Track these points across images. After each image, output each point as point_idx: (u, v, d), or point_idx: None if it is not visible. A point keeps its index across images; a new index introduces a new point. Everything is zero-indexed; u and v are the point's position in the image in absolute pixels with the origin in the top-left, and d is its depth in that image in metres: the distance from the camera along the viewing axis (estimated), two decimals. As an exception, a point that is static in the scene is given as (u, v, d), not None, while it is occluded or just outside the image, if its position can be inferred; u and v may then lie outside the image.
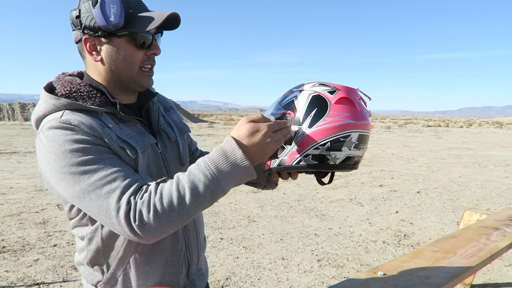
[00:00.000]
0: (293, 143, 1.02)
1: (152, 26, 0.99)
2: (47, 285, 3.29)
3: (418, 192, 7.40)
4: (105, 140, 0.96)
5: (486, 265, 2.07)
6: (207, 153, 1.32)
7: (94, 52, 1.03)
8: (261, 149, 0.92)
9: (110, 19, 0.96)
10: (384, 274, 1.72)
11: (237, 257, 4.02)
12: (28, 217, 5.29)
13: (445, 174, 9.55)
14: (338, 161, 1.01)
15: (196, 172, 0.89)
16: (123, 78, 1.06)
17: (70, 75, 1.10)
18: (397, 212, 5.94)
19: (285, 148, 1.04)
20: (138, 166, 1.00)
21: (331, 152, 0.99)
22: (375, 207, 6.20)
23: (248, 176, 0.92)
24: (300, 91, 1.06)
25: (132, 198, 0.88)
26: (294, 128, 1.02)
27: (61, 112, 0.98)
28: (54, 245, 4.22)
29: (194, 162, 0.97)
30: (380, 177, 8.93)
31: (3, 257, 3.85)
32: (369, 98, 1.10)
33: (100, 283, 1.09)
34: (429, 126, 41.42)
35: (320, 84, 1.06)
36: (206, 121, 47.08)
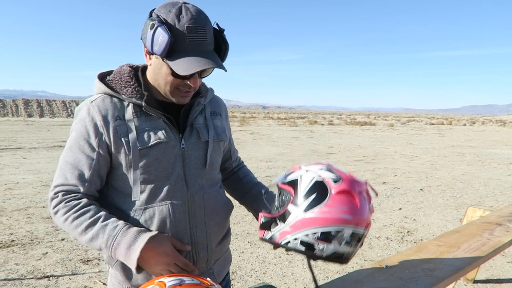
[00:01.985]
0: (286, 223, 1.01)
1: (184, 72, 1.04)
2: (57, 278, 3.36)
3: (421, 189, 7.43)
4: (108, 131, 1.11)
5: (490, 259, 2.11)
6: (257, 184, 1.45)
7: (147, 57, 1.14)
8: (153, 264, 1.08)
9: (154, 48, 1.04)
10: (389, 267, 1.77)
11: (242, 252, 4.08)
12: (35, 211, 5.36)
13: (448, 171, 9.57)
14: (324, 254, 0.98)
15: (104, 234, 1.07)
16: (161, 88, 1.15)
17: (131, 66, 1.22)
18: (400, 209, 5.99)
19: (278, 224, 1.03)
20: (138, 162, 1.12)
21: (320, 243, 0.97)
22: (378, 204, 6.24)
23: (130, 261, 1.07)
24: (307, 170, 1.04)
25: (63, 193, 1.11)
26: (290, 207, 1.01)
27: (99, 95, 1.16)
28: (62, 239, 4.29)
29: (225, 170, 1.34)
30: (383, 175, 8.97)
31: (13, 251, 3.92)
32: (376, 194, 1.09)
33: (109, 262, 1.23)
34: (432, 124, 41.36)
35: (328, 169, 1.03)
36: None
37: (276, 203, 1.07)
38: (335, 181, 0.97)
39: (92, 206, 1.11)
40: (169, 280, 0.89)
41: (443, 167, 10.26)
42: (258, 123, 36.31)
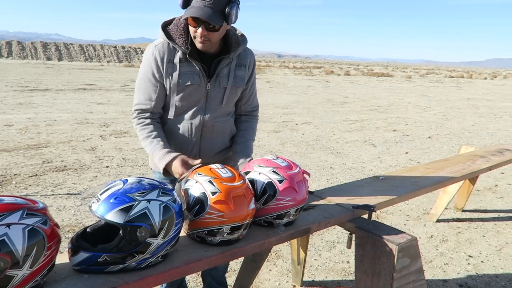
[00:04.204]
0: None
1: (186, 16, 1.47)
2: (109, 194, 4.03)
3: (429, 137, 7.87)
4: (163, 69, 1.61)
5: (467, 178, 2.62)
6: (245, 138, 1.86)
7: None
8: (171, 170, 1.59)
9: (178, 2, 1.51)
10: (385, 178, 2.29)
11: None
12: (77, 144, 6.04)
13: (459, 122, 9.91)
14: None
15: (150, 147, 1.64)
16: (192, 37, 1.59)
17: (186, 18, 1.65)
18: (406, 153, 6.48)
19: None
20: (177, 94, 1.64)
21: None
22: (387, 148, 6.74)
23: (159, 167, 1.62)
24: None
25: (138, 112, 1.69)
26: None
27: (161, 40, 1.61)
28: (107, 167, 4.96)
29: (239, 106, 1.87)
30: (395, 123, 9.37)
31: (68, 173, 4.61)
32: (308, 175, 1.56)
33: None
34: (452, 77, 40.51)
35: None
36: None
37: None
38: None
39: (150, 126, 1.66)
40: None
41: (454, 118, 10.57)
42: (273, 71, 36.18)
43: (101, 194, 1.14)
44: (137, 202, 1.10)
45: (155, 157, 1.61)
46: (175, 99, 1.67)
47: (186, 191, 1.34)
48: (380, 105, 13.10)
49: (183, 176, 1.47)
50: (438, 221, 3.69)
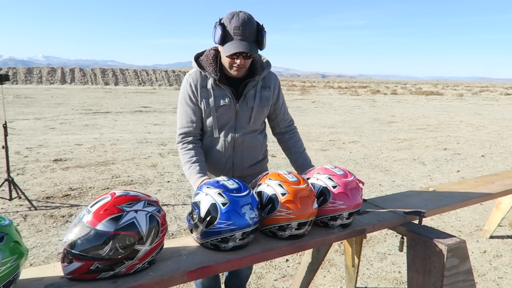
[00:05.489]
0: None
1: (226, 53, 1.70)
2: (173, 206, 4.42)
3: (482, 156, 7.67)
4: (197, 94, 1.86)
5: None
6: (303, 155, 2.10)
7: (219, 46, 1.78)
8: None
9: (214, 39, 1.74)
10: (434, 190, 2.45)
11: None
12: (140, 161, 6.59)
13: (515, 141, 9.52)
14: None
15: (187, 171, 1.86)
16: (225, 66, 1.82)
17: (215, 49, 1.91)
18: (458, 171, 6.40)
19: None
20: (211, 114, 1.87)
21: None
22: (437, 166, 6.69)
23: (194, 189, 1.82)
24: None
25: (181, 136, 1.92)
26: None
27: (194, 69, 1.89)
28: (168, 181, 5.41)
29: (274, 127, 2.12)
30: (446, 142, 9.20)
31: (135, 187, 5.09)
32: (362, 184, 1.75)
33: None
34: (508, 94, 38.39)
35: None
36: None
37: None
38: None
39: (192, 151, 1.88)
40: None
41: (510, 137, 10.16)
42: (318, 92, 36.34)
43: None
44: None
45: (191, 180, 1.83)
46: (209, 120, 1.89)
47: (259, 193, 1.56)
48: (429, 124, 12.85)
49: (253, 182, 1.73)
50: (491, 237, 3.69)
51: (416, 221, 1.99)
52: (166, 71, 53.21)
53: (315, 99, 24.78)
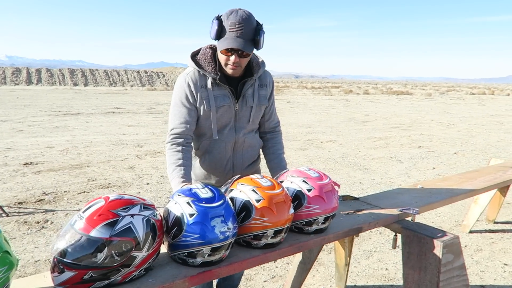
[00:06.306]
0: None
1: (220, 48, 1.68)
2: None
3: (455, 153, 7.92)
4: (196, 94, 1.78)
5: (499, 187, 2.76)
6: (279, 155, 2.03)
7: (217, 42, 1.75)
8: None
9: (210, 34, 1.69)
10: (422, 187, 2.48)
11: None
12: (116, 164, 6.39)
13: (484, 138, 9.90)
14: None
15: (170, 173, 1.75)
16: (222, 64, 1.76)
17: (211, 47, 1.86)
18: (434, 168, 6.58)
19: None
20: (211, 115, 1.80)
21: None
22: (414, 164, 6.85)
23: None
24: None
25: (172, 136, 1.80)
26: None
27: (191, 68, 1.81)
28: (147, 184, 5.27)
29: (260, 125, 2.01)
30: (419, 140, 9.45)
31: (113, 190, 4.93)
32: (338, 186, 1.69)
33: None
34: (473, 94, 40.03)
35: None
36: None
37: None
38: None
39: (180, 153, 1.77)
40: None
41: (479, 135, 10.56)
42: (292, 92, 36.64)
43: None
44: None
45: (172, 183, 1.75)
46: (209, 121, 1.83)
47: (231, 199, 1.44)
48: (402, 122, 13.18)
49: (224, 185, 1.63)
50: (471, 232, 3.79)
51: (409, 218, 2.00)
52: (138, 72, 52.19)
53: (290, 99, 24.95)
